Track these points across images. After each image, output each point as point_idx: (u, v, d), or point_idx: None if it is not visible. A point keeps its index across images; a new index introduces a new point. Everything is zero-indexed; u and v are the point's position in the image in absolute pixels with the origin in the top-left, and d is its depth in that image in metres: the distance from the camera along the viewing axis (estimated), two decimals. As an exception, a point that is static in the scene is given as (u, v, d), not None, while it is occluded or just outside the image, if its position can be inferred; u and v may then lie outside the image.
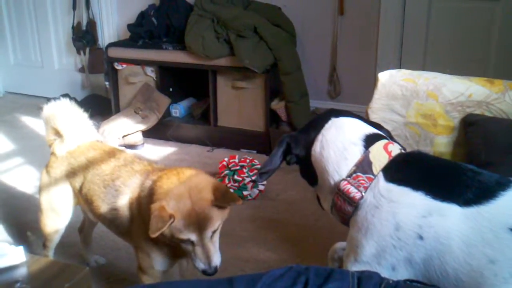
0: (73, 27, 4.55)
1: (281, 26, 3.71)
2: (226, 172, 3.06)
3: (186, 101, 4.10)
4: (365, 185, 1.33)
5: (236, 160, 3.11)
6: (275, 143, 3.50)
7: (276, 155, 1.48)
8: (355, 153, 1.38)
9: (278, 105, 3.61)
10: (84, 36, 4.47)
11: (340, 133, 1.43)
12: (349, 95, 3.91)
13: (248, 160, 3.12)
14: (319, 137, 1.45)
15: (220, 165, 3.12)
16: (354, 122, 1.48)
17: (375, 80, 3.65)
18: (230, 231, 2.63)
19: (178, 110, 4.01)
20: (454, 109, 1.85)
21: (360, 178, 1.34)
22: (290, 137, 1.49)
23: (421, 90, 1.89)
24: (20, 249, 1.41)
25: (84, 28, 4.52)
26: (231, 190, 2.95)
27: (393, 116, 1.93)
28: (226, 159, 3.14)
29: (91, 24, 4.50)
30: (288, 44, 3.64)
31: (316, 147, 1.45)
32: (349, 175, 1.36)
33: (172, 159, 3.65)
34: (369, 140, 1.41)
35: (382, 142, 1.41)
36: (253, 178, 3.02)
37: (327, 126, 1.47)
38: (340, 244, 1.71)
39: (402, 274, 1.28)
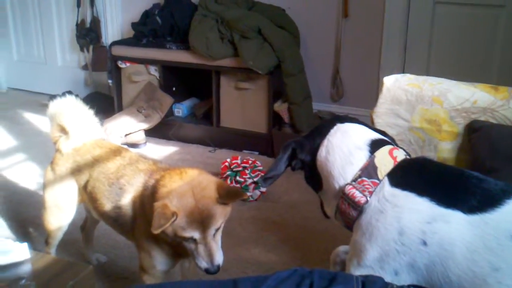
0: (77, 24, 4.56)
1: (285, 27, 3.71)
2: (228, 173, 3.07)
3: (189, 101, 4.11)
4: (370, 189, 1.33)
5: (239, 161, 3.11)
6: (278, 144, 3.55)
7: (281, 160, 1.48)
8: (361, 158, 1.39)
9: (281, 107, 3.61)
10: (88, 33, 4.48)
11: (345, 138, 1.44)
12: (352, 98, 3.92)
13: (250, 162, 3.12)
14: (325, 142, 1.46)
15: (222, 166, 3.13)
16: (360, 127, 1.49)
17: (378, 84, 3.70)
18: (231, 232, 2.64)
19: (181, 109, 4.01)
20: (459, 115, 1.85)
21: (365, 183, 1.34)
22: (295, 143, 1.50)
23: (426, 95, 1.89)
24: (25, 245, 1.41)
25: (88, 25, 4.53)
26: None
27: (398, 121, 1.93)
28: (228, 160, 3.15)
29: (95, 21, 4.51)
30: (292, 46, 3.65)
31: (322, 152, 1.45)
32: (354, 180, 1.36)
33: (174, 158, 3.66)
34: (375, 145, 1.42)
35: (387, 147, 1.42)
36: (255, 179, 3.03)
37: (332, 131, 1.47)
38: (342, 248, 1.71)
39: (404, 279, 1.28)
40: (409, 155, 1.45)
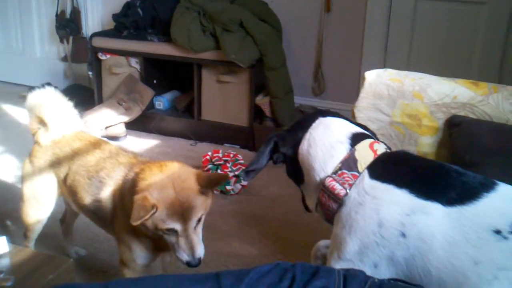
0: (56, 15, 4.48)
1: (267, 21, 3.71)
2: (210, 166, 3.06)
3: (170, 93, 4.08)
4: (350, 182, 1.34)
5: (220, 155, 3.11)
6: (259, 138, 3.55)
7: (263, 154, 1.49)
8: (341, 151, 1.40)
9: (262, 101, 3.61)
10: (67, 24, 4.41)
11: (327, 132, 1.45)
12: (333, 93, 3.94)
13: (231, 155, 3.12)
14: (307, 135, 1.47)
15: (203, 159, 3.12)
16: (341, 121, 1.50)
17: (359, 78, 3.71)
18: (212, 226, 2.63)
19: (162, 102, 3.99)
20: (439, 110, 1.87)
21: (345, 175, 1.35)
22: (277, 136, 1.50)
23: (407, 90, 1.91)
24: (3, 239, 1.39)
25: (68, 16, 4.46)
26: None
27: (379, 115, 1.94)
28: (209, 153, 3.14)
29: (75, 12, 4.44)
30: (274, 40, 3.65)
31: (304, 146, 1.46)
32: (335, 172, 1.37)
33: (155, 151, 3.63)
34: (355, 139, 1.44)
35: (368, 140, 1.43)
36: (237, 173, 3.03)
37: (314, 125, 1.48)
38: (323, 242, 1.72)
39: (384, 272, 1.29)
40: (389, 148, 1.46)
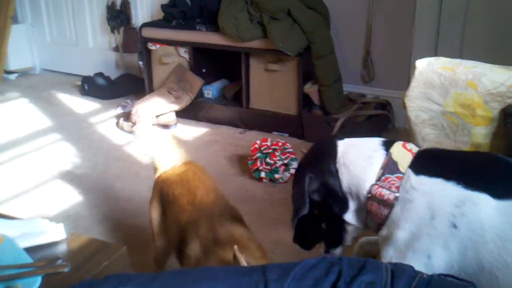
0: (107, 6, 4.59)
1: (315, 8, 3.66)
2: (258, 155, 3.07)
3: (218, 82, 4.11)
4: (396, 184, 1.34)
5: (268, 143, 3.12)
6: (308, 126, 3.54)
7: (302, 196, 1.45)
8: (379, 158, 1.40)
9: (311, 89, 3.58)
10: (118, 15, 4.52)
11: (358, 149, 1.45)
12: (383, 80, 3.86)
13: (280, 144, 3.12)
14: (341, 162, 1.44)
15: (252, 148, 3.14)
16: (361, 138, 1.50)
17: (410, 65, 3.63)
18: (261, 213, 2.65)
19: (211, 91, 4.02)
20: (494, 99, 1.81)
21: (390, 179, 1.35)
22: (307, 171, 1.46)
23: (460, 79, 1.85)
24: (60, 226, 1.44)
25: (118, 7, 4.56)
26: (263, 174, 2.99)
27: (431, 105, 1.90)
28: (258, 141, 3.15)
29: (125, 3, 4.53)
30: (322, 27, 3.60)
31: (343, 173, 1.43)
32: (378, 179, 1.37)
33: (205, 139, 3.69)
34: (387, 144, 1.44)
35: (399, 142, 1.44)
36: (285, 161, 3.03)
37: (340, 150, 1.46)
38: (366, 239, 1.71)
39: (438, 264, 1.28)
40: (419, 147, 1.45)
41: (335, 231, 1.52)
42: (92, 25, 4.92)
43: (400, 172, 1.34)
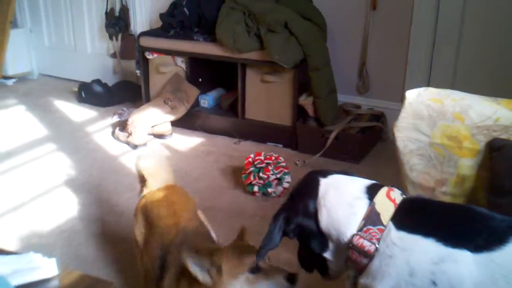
0: (106, 13, 4.61)
1: (312, 19, 3.69)
2: (252, 169, 3.10)
3: (215, 91, 4.14)
4: (377, 236, 1.35)
5: (262, 157, 3.15)
6: (302, 138, 3.55)
7: (273, 232, 1.47)
8: (362, 207, 1.39)
9: (306, 101, 3.61)
10: (117, 22, 4.54)
11: (340, 193, 1.44)
12: (378, 91, 3.89)
13: (273, 158, 3.15)
14: (321, 203, 1.44)
15: (245, 162, 3.17)
16: (345, 178, 1.49)
17: (405, 77, 3.65)
18: (253, 229, 2.67)
19: (207, 100, 4.05)
20: (480, 132, 1.84)
21: (371, 231, 1.36)
22: (285, 211, 1.48)
23: (448, 111, 1.88)
24: (53, 261, 1.47)
25: (117, 14, 4.57)
26: (256, 188, 3.02)
27: (419, 136, 1.93)
28: (252, 155, 3.18)
29: (124, 10, 4.55)
30: (318, 40, 3.63)
31: (323, 214, 1.43)
32: (360, 229, 1.38)
33: (200, 150, 3.71)
34: (370, 191, 1.42)
35: (384, 190, 1.42)
36: (278, 176, 3.06)
37: (322, 189, 1.46)
38: None
39: None
40: (404, 194, 1.45)
41: (318, 264, 1.55)
42: (90, 31, 4.94)
43: (382, 224, 1.36)
